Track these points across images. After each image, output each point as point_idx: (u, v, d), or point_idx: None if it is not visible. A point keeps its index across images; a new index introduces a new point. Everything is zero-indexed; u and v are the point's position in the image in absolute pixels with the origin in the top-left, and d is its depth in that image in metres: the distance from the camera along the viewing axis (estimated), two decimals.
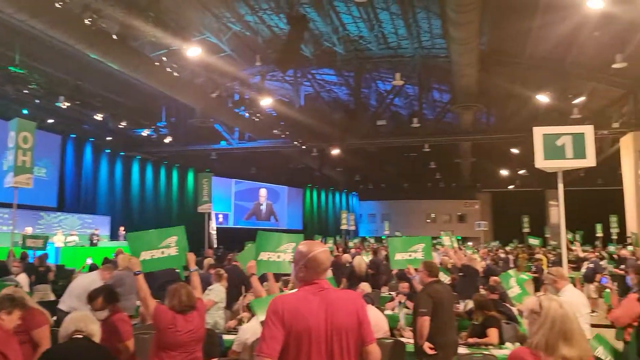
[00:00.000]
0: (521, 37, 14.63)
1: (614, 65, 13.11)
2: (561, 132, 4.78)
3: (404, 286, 6.98)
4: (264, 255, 4.34)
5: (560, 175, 4.94)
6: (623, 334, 4.63)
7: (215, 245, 15.78)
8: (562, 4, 11.29)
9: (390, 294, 8.31)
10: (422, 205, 34.28)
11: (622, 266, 10.77)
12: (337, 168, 28.39)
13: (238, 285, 6.88)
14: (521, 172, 26.32)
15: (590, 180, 26.59)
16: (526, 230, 22.67)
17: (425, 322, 4.14)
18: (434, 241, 16.50)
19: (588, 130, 4.76)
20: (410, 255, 5.69)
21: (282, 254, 4.38)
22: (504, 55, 16.47)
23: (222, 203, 25.11)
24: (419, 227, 32.53)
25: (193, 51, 13.33)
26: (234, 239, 18.32)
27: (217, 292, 5.97)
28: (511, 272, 7.04)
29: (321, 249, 2.34)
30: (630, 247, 14.45)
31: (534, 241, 19.34)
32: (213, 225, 16.10)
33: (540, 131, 4.78)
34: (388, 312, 6.71)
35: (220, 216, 25.25)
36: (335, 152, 21.68)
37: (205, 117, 18.05)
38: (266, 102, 17.86)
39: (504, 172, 27.53)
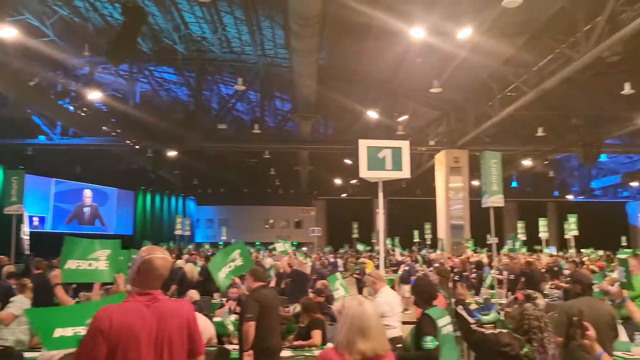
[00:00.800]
0: (356, 57, 15.70)
1: (432, 90, 14.75)
2: (382, 145, 5.18)
3: (232, 292, 6.92)
4: (72, 264, 4.00)
5: (381, 185, 5.34)
6: None
7: (27, 252, 13.90)
8: (391, 31, 12.36)
9: (221, 300, 8.21)
10: (261, 211, 34.67)
11: (431, 268, 12.13)
12: (174, 171, 27.27)
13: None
14: (353, 181, 28.17)
15: (410, 191, 29.61)
16: (355, 236, 24.35)
17: (250, 327, 4.13)
18: (270, 247, 16.77)
19: (405, 145, 5.24)
20: (230, 267, 5.65)
21: (95, 261, 4.08)
22: (341, 71, 17.49)
23: (38, 205, 22.33)
24: (257, 233, 32.80)
25: (7, 32, 11.66)
26: (52, 245, 16.34)
27: (20, 304, 5.26)
28: (337, 275, 7.43)
29: (160, 255, 2.25)
30: (438, 251, 16.40)
31: (360, 246, 20.88)
32: (25, 229, 14.17)
33: (364, 144, 5.12)
34: (217, 319, 6.58)
35: (36, 219, 22.38)
36: (172, 153, 20.81)
37: (21, 107, 15.91)
38: (95, 95, 16.37)
39: (338, 181, 29.23)
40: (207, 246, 24.39)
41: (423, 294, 3.84)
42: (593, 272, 11.08)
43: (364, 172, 5.15)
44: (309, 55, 13.04)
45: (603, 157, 27.34)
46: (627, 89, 13.68)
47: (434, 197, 21.09)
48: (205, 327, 5.01)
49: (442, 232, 19.87)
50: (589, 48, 10.60)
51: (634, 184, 29.29)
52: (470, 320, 3.75)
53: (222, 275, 5.70)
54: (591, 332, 2.61)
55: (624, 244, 23.04)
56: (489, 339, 3.24)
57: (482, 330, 3.45)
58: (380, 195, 5.37)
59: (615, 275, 8.79)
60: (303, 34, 11.62)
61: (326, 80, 17.05)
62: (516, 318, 3.10)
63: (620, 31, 9.68)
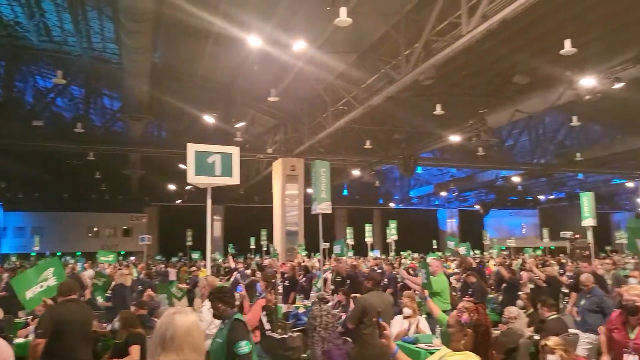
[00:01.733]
0: (195, 59, 15.25)
1: (269, 98, 14.98)
2: (212, 150, 5.03)
3: (39, 309, 6.12)
4: (30, 293, 4.77)
5: (210, 191, 5.17)
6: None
7: None
8: (230, 37, 12.26)
9: (27, 319, 7.24)
10: (83, 218, 31.51)
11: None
12: None
13: None
14: (189, 187, 27.22)
15: (249, 198, 29.69)
16: (190, 244, 23.51)
17: (38, 344, 3.73)
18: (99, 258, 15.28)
19: (235, 151, 5.16)
20: (42, 286, 5.03)
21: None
22: (178, 72, 16.84)
23: None
24: (78, 242, 29.76)
25: None
26: None
27: None
28: (171, 285, 7.05)
29: None
30: (273, 258, 16.63)
31: (195, 255, 20.23)
32: None
33: (193, 148, 4.92)
34: (19, 340, 5.78)
35: None
36: None
37: None
38: None
39: (173, 187, 28.01)
40: (13, 258, 21.33)
41: (228, 300, 3.81)
42: (408, 272, 12.25)
43: (192, 178, 4.94)
44: (142, 53, 12.29)
45: (419, 169, 30.67)
46: (439, 110, 15.49)
47: (271, 204, 21.41)
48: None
49: (278, 238, 20.24)
50: (408, 71, 11.73)
51: (444, 193, 33.38)
52: (266, 326, 3.97)
53: (30, 295, 5.17)
54: (388, 332, 2.81)
55: (434, 246, 25.98)
56: (275, 343, 3.61)
57: (274, 335, 3.67)
58: (209, 202, 5.20)
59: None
60: (134, 30, 10.92)
61: (161, 80, 16.27)
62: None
63: (433, 58, 10.91)
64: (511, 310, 5.92)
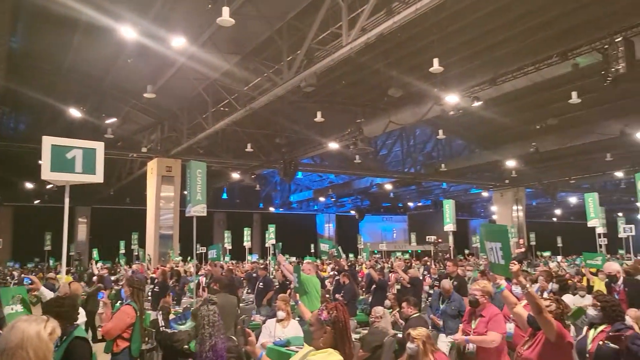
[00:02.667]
0: (61, 49, 13.93)
1: (145, 95, 14.21)
2: (72, 145, 4.60)
3: None
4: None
5: (68, 189, 4.72)
6: (112, 346, 4.81)
7: None
8: (101, 27, 11.39)
9: None
10: None
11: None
12: None
13: None
14: (50, 186, 24.83)
15: (120, 199, 27.84)
16: (48, 248, 21.38)
17: None
18: None
19: (99, 147, 4.77)
20: None
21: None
22: (40, 61, 15.20)
23: None
24: None
25: None
26: None
27: None
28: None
29: None
30: (145, 262, 15.77)
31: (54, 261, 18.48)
32: None
33: (49, 141, 4.45)
34: None
35: None
36: None
37: None
38: None
39: (30, 185, 25.28)
40: None
41: (68, 314, 3.51)
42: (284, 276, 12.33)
43: (47, 174, 4.45)
44: None
45: (300, 175, 31.20)
46: (319, 117, 15.88)
47: (144, 207, 20.29)
48: None
49: (151, 242, 19.24)
50: (290, 76, 11.88)
51: (322, 199, 34.31)
52: (161, 322, 4.64)
53: None
54: (252, 338, 2.80)
55: (312, 250, 26.51)
56: (166, 336, 4.09)
57: (166, 330, 4.20)
58: (66, 201, 4.73)
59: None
60: None
61: (19, 69, 14.64)
62: (196, 317, 3.74)
63: (314, 66, 11.16)
64: (377, 310, 6.22)
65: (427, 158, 24.95)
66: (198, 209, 7.59)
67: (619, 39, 9.54)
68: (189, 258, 17.38)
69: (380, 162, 25.39)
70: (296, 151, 19.98)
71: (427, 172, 24.33)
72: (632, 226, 14.80)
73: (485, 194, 32.00)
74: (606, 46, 9.81)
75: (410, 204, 38.00)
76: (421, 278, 10.87)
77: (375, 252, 27.90)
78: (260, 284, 10.02)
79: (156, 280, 10.13)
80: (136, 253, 20.08)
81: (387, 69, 14.25)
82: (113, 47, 12.78)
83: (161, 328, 4.56)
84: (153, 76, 14.37)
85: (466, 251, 27.77)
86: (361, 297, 10.62)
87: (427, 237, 25.92)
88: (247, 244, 17.94)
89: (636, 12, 9.84)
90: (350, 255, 25.54)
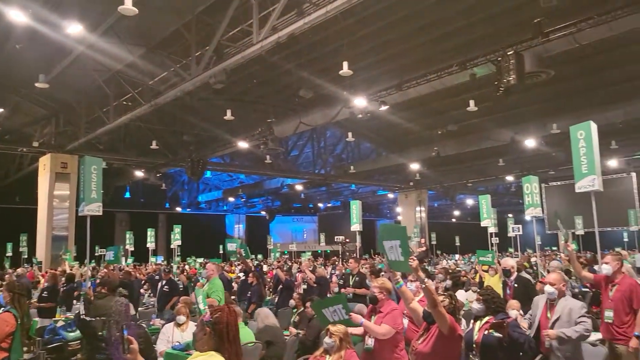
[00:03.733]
0: None
1: (37, 84, 13.11)
2: None
3: None
4: None
5: None
6: None
7: None
8: None
9: None
10: None
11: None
12: None
13: None
14: None
15: (7, 197, 25.45)
16: None
17: None
18: None
19: None
20: None
21: None
22: None
23: None
24: None
25: None
26: None
27: None
28: None
29: None
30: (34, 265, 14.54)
31: None
32: None
33: None
34: None
35: None
36: None
37: None
38: None
39: None
40: None
41: None
42: (189, 279, 11.96)
43: None
44: None
45: (208, 174, 30.47)
46: (229, 115, 15.57)
47: (35, 206, 18.72)
48: None
49: (43, 244, 17.77)
50: (198, 72, 11.53)
51: (232, 199, 33.77)
52: (82, 311, 5.13)
53: None
54: (134, 345, 2.62)
55: (221, 252, 25.97)
56: (85, 323, 4.61)
57: (85, 318, 4.58)
58: None
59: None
60: None
61: None
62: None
63: (224, 63, 10.92)
64: (256, 312, 6.27)
65: (337, 160, 25.43)
66: (93, 208, 7.09)
67: (511, 52, 10.32)
68: (85, 261, 16.31)
69: (291, 163, 25.47)
70: (205, 150, 19.47)
71: (337, 173, 24.81)
72: (520, 226, 16.09)
73: (391, 195, 33.26)
74: (499, 58, 10.56)
75: (321, 205, 38.55)
76: (328, 277, 11.01)
77: (285, 252, 27.95)
78: (165, 287, 9.59)
79: (46, 285, 9.35)
80: (25, 256, 18.52)
81: (298, 70, 14.31)
82: (0, 30, 11.65)
83: (81, 316, 5.06)
84: (47, 65, 13.28)
85: (372, 250, 28.67)
86: (268, 298, 10.55)
87: (336, 237, 26.41)
88: (150, 245, 17.18)
89: (526, 28, 10.69)
90: (260, 255, 25.37)
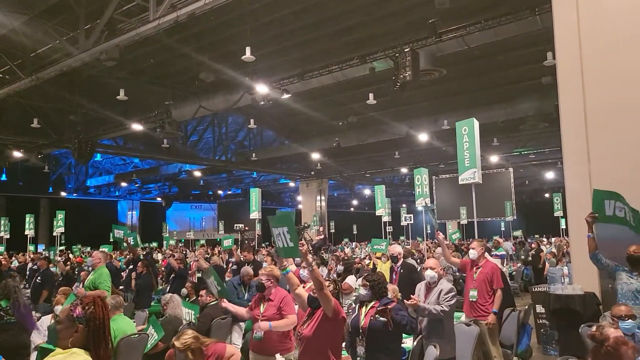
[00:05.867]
0: None
1: None
2: None
3: None
4: None
5: None
6: None
7: None
8: None
9: None
10: None
11: None
12: None
13: None
14: None
15: None
16: None
17: None
18: None
19: None
20: None
21: None
22: None
23: None
24: None
25: None
26: None
27: None
28: None
29: None
30: None
31: None
32: None
33: None
34: None
35: None
36: None
37: None
38: None
39: None
40: None
41: None
42: (73, 269, 11.18)
43: None
44: None
45: (99, 157, 28.57)
46: (122, 95, 14.67)
47: None
48: None
49: None
50: (88, 47, 10.73)
51: (125, 184, 32.01)
52: None
53: None
54: None
55: (111, 240, 24.54)
56: None
57: None
58: None
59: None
60: None
61: None
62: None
63: (117, 38, 10.25)
64: (165, 297, 6.06)
65: (238, 147, 25.07)
66: None
67: (407, 49, 10.77)
68: None
69: (190, 148, 24.67)
70: (94, 130, 18.18)
71: (238, 160, 24.46)
72: (412, 215, 16.99)
73: (292, 184, 33.52)
74: (397, 54, 10.99)
75: (221, 192, 37.81)
76: (224, 266, 10.85)
77: (182, 240, 27.11)
78: (38, 277, 8.85)
79: None
80: None
81: (199, 53, 13.85)
82: None
83: None
84: None
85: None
86: (159, 288, 10.17)
87: (236, 225, 26.12)
88: (29, 232, 15.79)
89: (422, 28, 11.22)
90: (154, 243, 24.37)
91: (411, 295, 4.74)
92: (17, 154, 20.01)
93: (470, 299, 5.68)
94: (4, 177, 26.94)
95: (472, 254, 5.84)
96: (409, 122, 18.79)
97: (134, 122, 16.87)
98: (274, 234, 3.86)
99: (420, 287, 5.15)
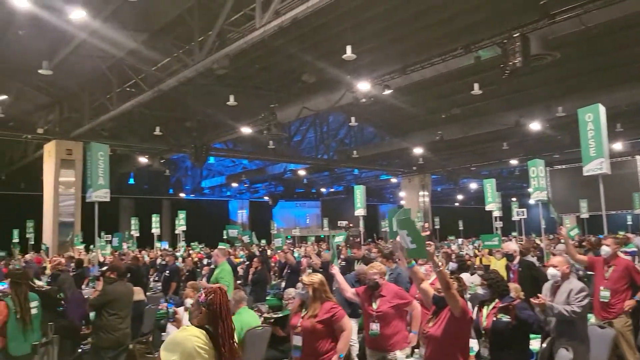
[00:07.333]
0: None
1: (40, 71, 13.08)
2: None
3: None
4: None
5: None
6: None
7: None
8: None
9: None
10: None
11: None
12: None
13: None
14: None
15: (12, 184, 25.56)
16: None
17: None
18: None
19: None
20: None
21: None
22: None
23: None
24: None
25: None
26: None
27: None
28: None
29: None
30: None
31: None
32: None
33: None
34: None
35: None
36: None
37: None
38: None
39: None
40: None
41: None
42: (195, 264, 12.06)
43: None
44: None
45: (212, 160, 30.46)
46: (232, 101, 15.53)
47: (41, 192, 18.82)
48: None
49: (49, 230, 17.91)
50: (201, 58, 11.48)
51: (235, 184, 33.82)
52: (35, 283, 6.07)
53: None
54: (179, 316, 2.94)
55: (224, 237, 26.08)
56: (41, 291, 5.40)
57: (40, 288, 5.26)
58: None
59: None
60: None
61: None
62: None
63: (227, 48, 10.87)
64: (289, 292, 6.28)
65: (339, 145, 25.40)
66: (100, 194, 7.14)
67: (516, 35, 10.22)
68: (92, 246, 16.41)
69: (294, 148, 25.46)
70: (208, 135, 19.46)
71: (340, 158, 24.79)
72: (524, 210, 16.09)
73: (394, 180, 33.25)
74: (505, 41, 10.47)
75: (323, 190, 38.57)
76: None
77: (289, 237, 28.03)
78: (167, 271, 9.69)
79: (52, 272, 9.44)
80: (32, 242, 18.65)
81: (301, 55, 14.22)
82: (2, 16, 11.59)
83: (35, 287, 6.04)
84: (50, 51, 13.23)
85: (375, 235, 28.75)
86: (274, 282, 10.63)
87: (339, 222, 26.47)
88: (155, 230, 17.27)
89: (532, 10, 10.58)
90: (263, 241, 25.48)
91: (538, 295, 4.49)
92: (142, 160, 22.01)
93: (601, 300, 5.24)
94: (131, 181, 29.80)
95: (605, 250, 5.35)
96: (519, 111, 17.79)
97: (243, 126, 17.78)
98: (401, 235, 3.85)
99: (547, 287, 4.86)
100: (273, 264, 12.72)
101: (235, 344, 2.82)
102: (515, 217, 16.63)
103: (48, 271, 11.03)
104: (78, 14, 10.11)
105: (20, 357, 4.84)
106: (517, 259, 7.02)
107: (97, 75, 15.08)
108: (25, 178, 24.40)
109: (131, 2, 9.49)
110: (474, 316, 4.01)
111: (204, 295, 2.80)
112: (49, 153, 18.12)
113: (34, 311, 5.01)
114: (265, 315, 6.60)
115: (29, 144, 19.81)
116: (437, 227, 27.84)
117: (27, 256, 12.81)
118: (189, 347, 2.70)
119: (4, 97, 15.57)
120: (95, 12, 10.83)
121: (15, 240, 19.52)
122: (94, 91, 16.09)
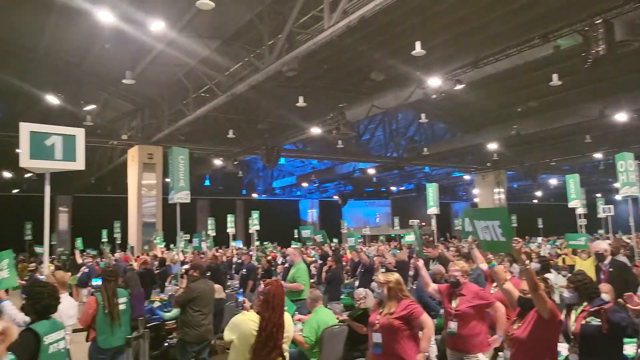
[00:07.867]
0: (35, 32, 13.55)
1: (124, 81, 13.93)
2: (51, 131, 4.48)
3: None
4: None
5: (48, 177, 4.61)
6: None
7: None
8: (77, 9, 11.09)
9: None
10: None
11: None
12: None
13: None
14: (29, 174, 24.37)
15: (101, 188, 27.43)
16: (29, 237, 21.05)
17: None
18: None
19: (79, 133, 4.65)
20: None
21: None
22: (14, 46, 14.79)
23: None
24: None
25: None
26: None
27: None
28: None
29: None
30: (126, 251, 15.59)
31: (39, 249, 18.12)
32: None
33: (27, 128, 4.33)
34: None
35: None
36: None
37: None
38: None
39: (8, 174, 24.72)
40: None
41: (35, 304, 3.43)
42: (270, 263, 12.35)
43: (26, 161, 4.33)
44: None
45: (282, 161, 31.06)
46: (301, 102, 15.76)
47: (126, 195, 20.05)
48: None
49: (134, 231, 19.05)
50: (272, 61, 11.73)
51: (305, 184, 34.28)
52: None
53: None
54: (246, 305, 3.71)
55: (296, 236, 26.54)
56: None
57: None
58: (47, 189, 4.61)
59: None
60: None
61: None
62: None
63: (296, 50, 11.03)
64: (359, 292, 6.29)
65: (409, 142, 25.03)
66: (181, 196, 7.50)
67: (599, 21, 9.60)
68: (171, 245, 17.28)
69: (362, 147, 25.40)
70: (278, 137, 19.86)
71: (410, 156, 24.42)
72: (611, 206, 15.08)
73: (467, 177, 32.30)
74: (586, 28, 9.87)
75: (393, 188, 38.17)
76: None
77: (359, 236, 27.98)
78: (244, 270, 10.00)
79: (138, 270, 10.02)
80: (119, 242, 19.89)
81: (370, 53, 14.17)
82: (90, 31, 12.48)
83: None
84: (132, 62, 14.09)
85: (447, 234, 28.07)
86: (346, 281, 10.68)
87: (410, 220, 26.10)
88: (230, 230, 17.87)
89: None
90: (334, 240, 25.62)
91: (634, 296, 4.19)
92: (217, 162, 22.86)
93: None
94: (207, 183, 31.05)
95: None
96: (603, 101, 16.69)
97: (312, 126, 17.98)
98: (478, 226, 3.75)
99: None
100: (345, 263, 12.77)
101: (280, 334, 3.26)
102: (601, 214, 15.62)
103: (135, 269, 11.74)
104: (157, 25, 10.67)
105: (109, 349, 5.17)
106: (609, 259, 6.57)
107: (174, 83, 15.86)
108: (112, 182, 26.10)
109: (205, 11, 9.86)
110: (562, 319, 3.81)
111: (263, 286, 3.32)
112: (132, 157, 19.26)
113: (122, 307, 5.35)
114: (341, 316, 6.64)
115: (115, 149, 21.16)
116: (515, 225, 26.67)
117: (117, 255, 13.72)
118: (245, 329, 3.24)
119: (93, 106, 16.72)
120: (171, 22, 11.40)
121: (105, 239, 20.96)
122: (171, 98, 16.92)
